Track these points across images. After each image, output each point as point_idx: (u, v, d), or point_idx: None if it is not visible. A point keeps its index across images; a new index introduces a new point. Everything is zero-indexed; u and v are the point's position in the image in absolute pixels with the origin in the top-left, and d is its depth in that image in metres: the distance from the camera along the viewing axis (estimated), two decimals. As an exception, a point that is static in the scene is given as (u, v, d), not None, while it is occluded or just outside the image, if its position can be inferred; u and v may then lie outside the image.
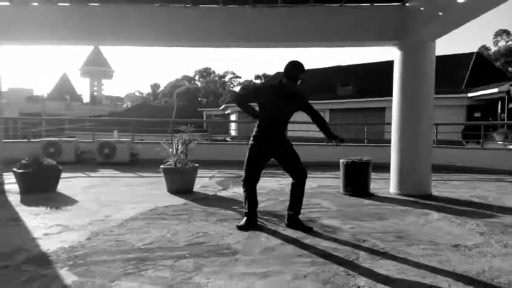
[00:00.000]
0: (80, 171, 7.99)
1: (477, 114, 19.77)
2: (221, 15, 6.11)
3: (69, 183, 6.35)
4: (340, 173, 5.83)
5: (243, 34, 6.18)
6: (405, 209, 4.81)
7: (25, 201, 4.96)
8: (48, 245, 3.23)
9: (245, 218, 3.85)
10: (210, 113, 38.00)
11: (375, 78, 23.49)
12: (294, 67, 3.65)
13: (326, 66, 34.50)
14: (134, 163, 9.47)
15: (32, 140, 10.33)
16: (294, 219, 3.80)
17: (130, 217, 4.19)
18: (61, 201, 4.98)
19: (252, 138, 3.81)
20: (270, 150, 3.75)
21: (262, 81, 53.41)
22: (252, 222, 3.82)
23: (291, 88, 3.70)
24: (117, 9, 6.07)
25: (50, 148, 9.33)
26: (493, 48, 42.56)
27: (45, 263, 2.83)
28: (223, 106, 33.77)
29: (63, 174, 5.99)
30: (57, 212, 4.41)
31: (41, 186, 5.50)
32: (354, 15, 5.99)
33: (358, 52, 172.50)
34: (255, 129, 3.81)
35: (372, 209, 4.75)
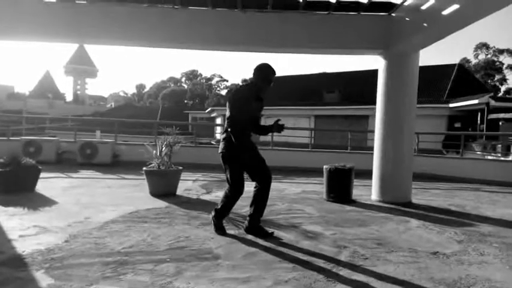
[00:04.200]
0: (60, 171, 7.81)
1: (457, 125, 20.26)
2: (211, 18, 6.10)
3: (48, 184, 6.20)
4: (324, 179, 5.87)
5: (232, 38, 6.19)
6: (386, 216, 4.88)
7: (2, 201, 4.80)
8: (24, 246, 3.14)
9: (216, 223, 3.78)
10: (196, 116, 37.80)
11: (360, 86, 23.88)
12: (271, 71, 3.71)
13: (312, 72, 34.77)
14: (116, 164, 9.32)
15: (11, 138, 10.06)
16: (254, 224, 3.73)
17: (111, 220, 4.12)
18: (39, 202, 4.86)
19: (225, 146, 3.62)
20: (246, 156, 3.61)
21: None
22: (222, 225, 3.81)
23: (264, 90, 3.75)
24: (104, 8, 5.99)
25: (29, 147, 9.10)
26: (474, 61, 43.76)
27: (20, 265, 2.75)
28: (208, 109, 33.68)
29: (42, 174, 5.85)
30: (35, 213, 4.30)
31: (19, 186, 5.36)
32: (341, 23, 6.07)
33: (344, 60, 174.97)
34: (225, 135, 3.63)
35: (354, 216, 4.80)
